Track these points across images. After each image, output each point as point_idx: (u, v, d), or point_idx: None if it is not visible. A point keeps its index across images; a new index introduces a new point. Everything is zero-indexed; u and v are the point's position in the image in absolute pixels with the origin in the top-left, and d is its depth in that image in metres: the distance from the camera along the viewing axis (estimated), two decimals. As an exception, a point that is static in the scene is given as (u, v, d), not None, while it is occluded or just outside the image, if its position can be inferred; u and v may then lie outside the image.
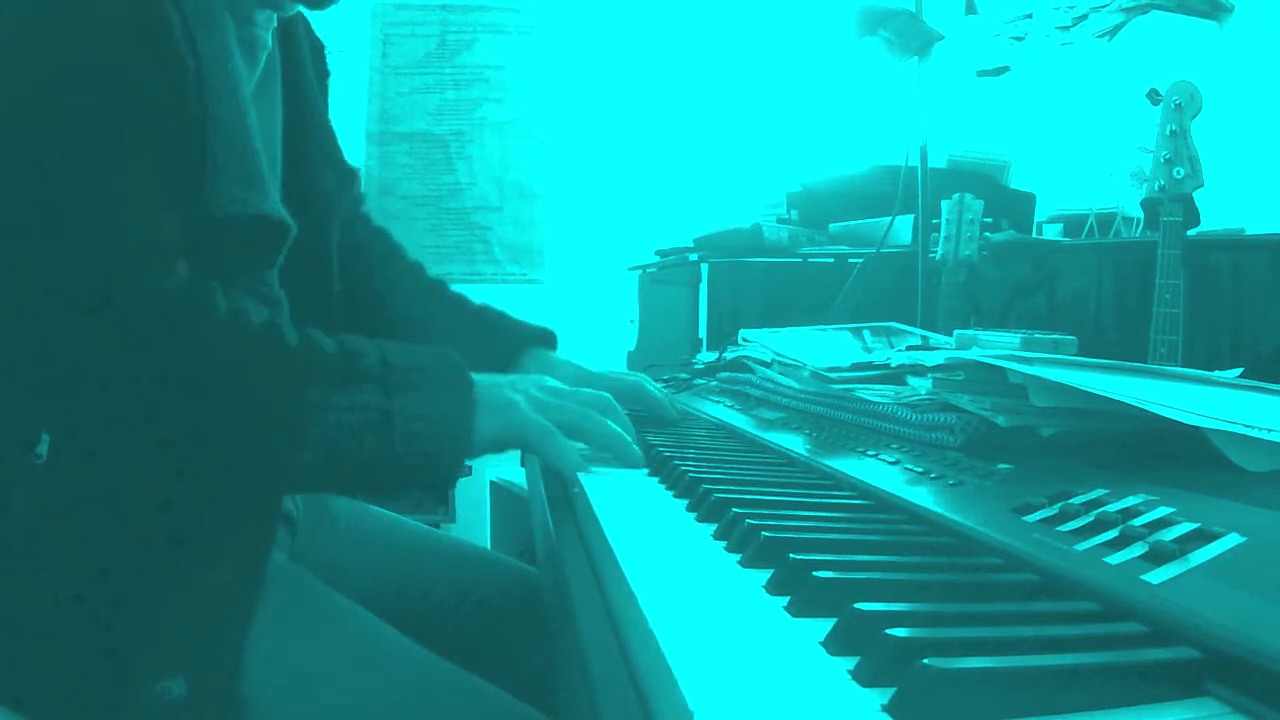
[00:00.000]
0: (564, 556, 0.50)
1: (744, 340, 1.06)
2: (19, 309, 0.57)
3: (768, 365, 0.95)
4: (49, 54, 0.56)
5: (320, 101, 0.84)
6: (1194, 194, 1.04)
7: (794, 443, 0.71)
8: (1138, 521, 0.40)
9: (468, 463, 0.63)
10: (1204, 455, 0.51)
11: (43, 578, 0.57)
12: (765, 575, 0.40)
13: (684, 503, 0.55)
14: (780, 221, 1.72)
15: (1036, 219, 1.66)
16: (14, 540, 0.57)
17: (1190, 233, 1.06)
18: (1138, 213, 1.37)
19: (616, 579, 0.39)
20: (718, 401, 0.99)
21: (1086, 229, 1.53)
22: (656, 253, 1.81)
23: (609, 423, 0.65)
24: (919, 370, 0.69)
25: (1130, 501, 0.43)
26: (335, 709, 0.61)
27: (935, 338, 1.00)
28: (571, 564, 0.48)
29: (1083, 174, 1.81)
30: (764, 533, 0.43)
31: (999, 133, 1.96)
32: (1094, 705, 0.28)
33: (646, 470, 0.65)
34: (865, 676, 0.29)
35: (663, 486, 0.60)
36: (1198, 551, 0.36)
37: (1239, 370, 0.69)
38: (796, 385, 0.86)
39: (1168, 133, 1.05)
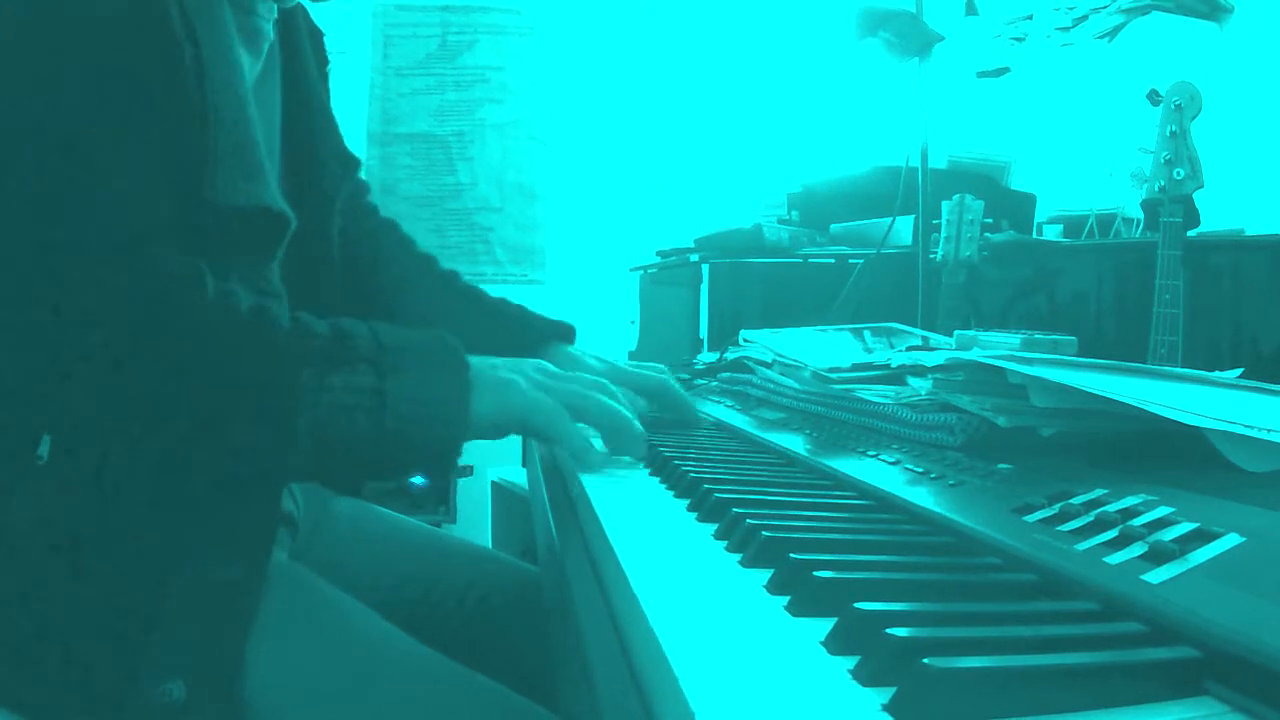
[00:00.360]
0: (565, 556, 0.50)
1: (745, 341, 1.07)
2: (16, 301, 0.57)
3: (768, 365, 0.95)
4: (46, 40, 0.56)
5: (320, 88, 0.83)
6: (1194, 195, 1.04)
7: (794, 443, 0.71)
8: (1137, 521, 0.40)
9: (469, 463, 0.62)
10: (1204, 455, 0.51)
11: (43, 580, 0.57)
12: (766, 575, 0.40)
13: (685, 503, 0.55)
14: (781, 222, 1.72)
15: (1037, 220, 1.66)
16: (15, 542, 0.57)
17: (1190, 233, 1.06)
18: (1138, 213, 1.37)
19: (618, 579, 0.39)
20: (718, 402, 0.99)
21: (1087, 230, 1.53)
22: (657, 253, 1.81)
23: (608, 401, 0.64)
24: (919, 371, 0.69)
25: (1130, 501, 0.43)
26: (337, 708, 0.61)
27: (935, 338, 1.00)
28: (573, 564, 0.48)
29: (1083, 175, 1.81)
30: (764, 533, 0.43)
31: (999, 133, 1.96)
32: (1094, 705, 0.28)
33: (647, 470, 0.65)
34: (866, 676, 0.29)
35: (663, 486, 0.60)
36: (1197, 551, 0.36)
37: (1239, 371, 0.69)
38: (797, 385, 0.86)
39: (1168, 133, 1.05)
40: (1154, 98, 1.07)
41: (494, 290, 0.95)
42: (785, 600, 0.37)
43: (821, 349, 0.91)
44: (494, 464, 2.03)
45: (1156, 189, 1.05)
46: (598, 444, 0.66)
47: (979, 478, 0.52)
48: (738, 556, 0.43)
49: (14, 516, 0.57)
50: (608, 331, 1.95)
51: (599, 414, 0.64)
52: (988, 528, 0.43)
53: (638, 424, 0.64)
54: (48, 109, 0.56)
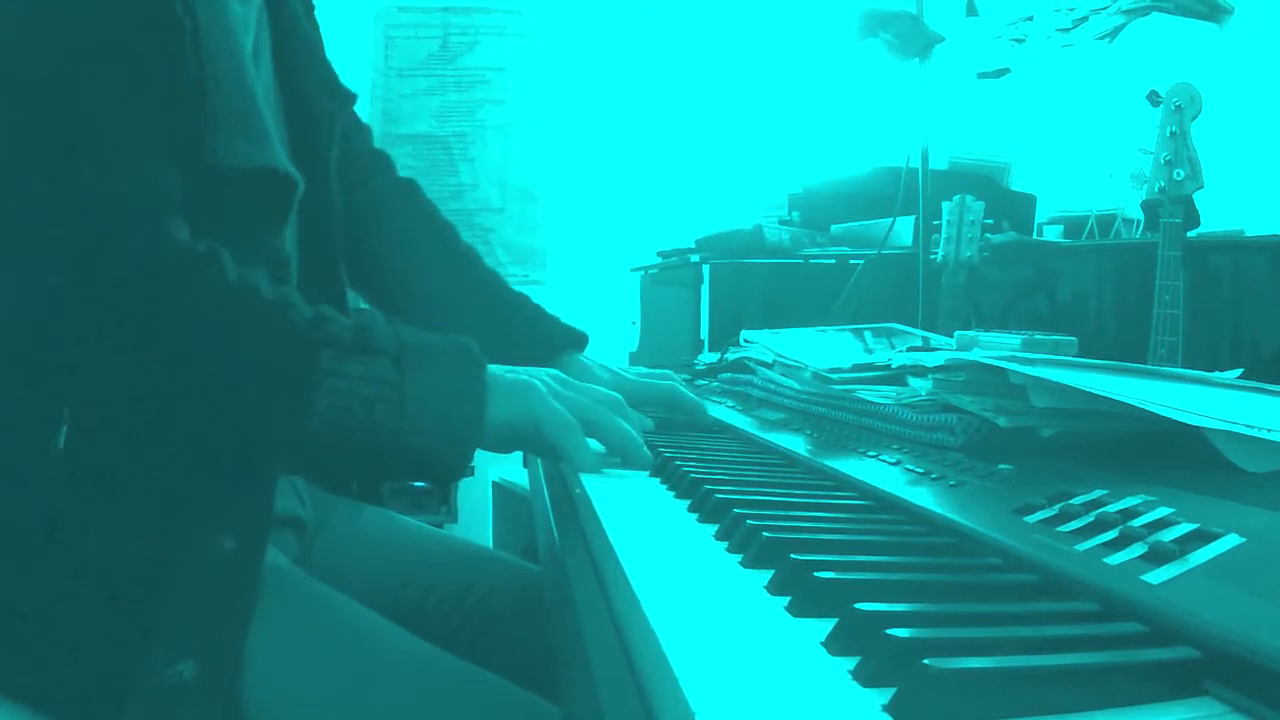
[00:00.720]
0: (566, 557, 0.51)
1: (745, 341, 1.07)
2: (34, 284, 0.56)
3: (769, 366, 0.95)
4: (44, 16, 0.56)
5: (308, 27, 0.82)
6: (1194, 195, 1.04)
7: (795, 443, 0.71)
8: (1138, 522, 0.40)
9: (471, 463, 0.62)
10: (1204, 456, 0.52)
11: (55, 566, 0.57)
12: (766, 575, 0.40)
13: (686, 503, 0.55)
14: (781, 223, 1.72)
15: (1037, 220, 1.66)
16: (30, 529, 0.57)
17: (1190, 234, 1.06)
18: (1138, 214, 1.37)
19: (619, 579, 0.39)
20: (719, 402, 0.99)
21: (1087, 230, 1.53)
22: (658, 254, 1.81)
23: (621, 422, 0.64)
24: (920, 371, 0.69)
25: (1130, 502, 0.43)
26: (338, 707, 0.61)
27: (936, 339, 1.00)
28: (574, 564, 0.48)
29: (1083, 176, 1.81)
30: (765, 533, 0.43)
31: (1000, 134, 1.96)
32: (1094, 705, 0.28)
33: (648, 470, 0.65)
34: (866, 677, 0.29)
35: (664, 487, 0.60)
36: (1197, 552, 0.36)
37: (1239, 371, 0.69)
38: (798, 386, 0.86)
39: (1168, 134, 1.05)
40: (1154, 98, 1.07)
41: None
42: (786, 601, 0.37)
43: (822, 349, 0.91)
44: (495, 464, 2.04)
45: (1156, 190, 1.05)
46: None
47: (979, 478, 0.52)
48: (738, 557, 0.43)
49: (30, 504, 0.57)
50: (608, 332, 1.95)
51: (611, 433, 0.64)
52: (988, 528, 0.43)
53: (646, 450, 0.64)
54: (49, 86, 0.56)
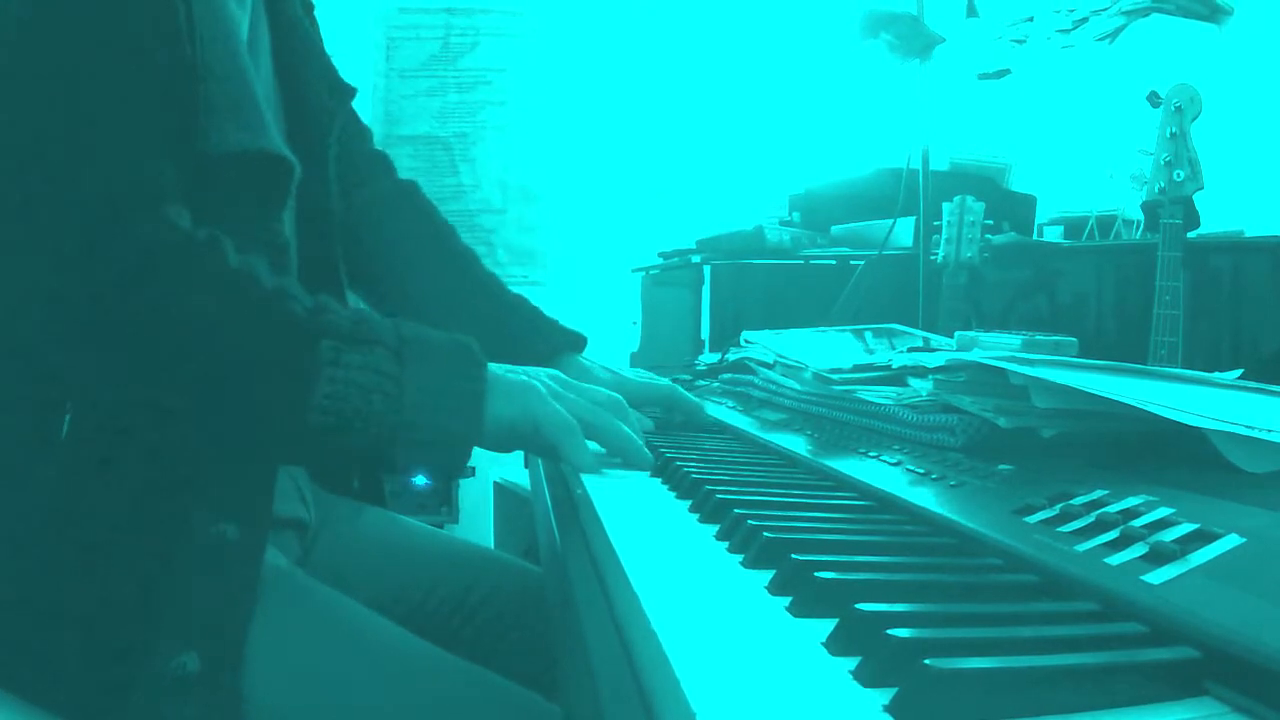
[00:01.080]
0: (567, 557, 0.51)
1: (746, 342, 1.07)
2: (32, 274, 0.56)
3: (770, 366, 0.95)
4: (40, 7, 0.56)
5: (306, 23, 0.82)
6: (1194, 196, 1.04)
7: (796, 444, 0.71)
8: (1138, 522, 0.40)
9: (470, 463, 0.62)
10: (1204, 456, 0.52)
11: (59, 558, 0.57)
12: (767, 576, 0.40)
13: (687, 504, 0.55)
14: (782, 224, 1.72)
15: (1037, 221, 1.66)
16: (32, 521, 0.58)
17: (1190, 235, 1.06)
18: (1138, 215, 1.37)
19: (620, 580, 0.39)
20: (720, 403, 0.99)
21: (1087, 231, 1.53)
22: (659, 254, 1.81)
23: (620, 424, 0.64)
24: (920, 372, 0.69)
25: (1131, 502, 0.43)
26: (342, 706, 0.61)
27: (936, 339, 1.00)
28: (575, 565, 0.48)
29: (1083, 176, 1.81)
30: (766, 533, 0.43)
31: (1000, 135, 1.96)
32: (1094, 705, 0.29)
33: (649, 471, 0.65)
34: (867, 677, 0.29)
35: (665, 487, 0.60)
36: (1198, 552, 0.36)
37: (1239, 372, 0.69)
38: (798, 386, 0.86)
39: (1168, 135, 1.05)
40: (1154, 99, 1.07)
41: None
42: (786, 601, 0.37)
43: (823, 350, 0.91)
44: (496, 465, 2.04)
45: (1156, 190, 1.05)
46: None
47: (980, 479, 0.52)
48: (739, 557, 0.43)
49: (33, 494, 0.58)
50: (609, 333, 1.96)
51: (611, 435, 0.64)
52: (989, 529, 0.43)
53: (647, 451, 0.65)
54: (47, 79, 0.56)
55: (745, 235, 1.54)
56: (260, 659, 0.58)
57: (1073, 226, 1.58)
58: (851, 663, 0.30)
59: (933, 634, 0.31)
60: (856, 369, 0.78)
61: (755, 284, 1.47)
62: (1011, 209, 1.52)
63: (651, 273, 1.82)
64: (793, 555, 0.40)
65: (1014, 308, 1.38)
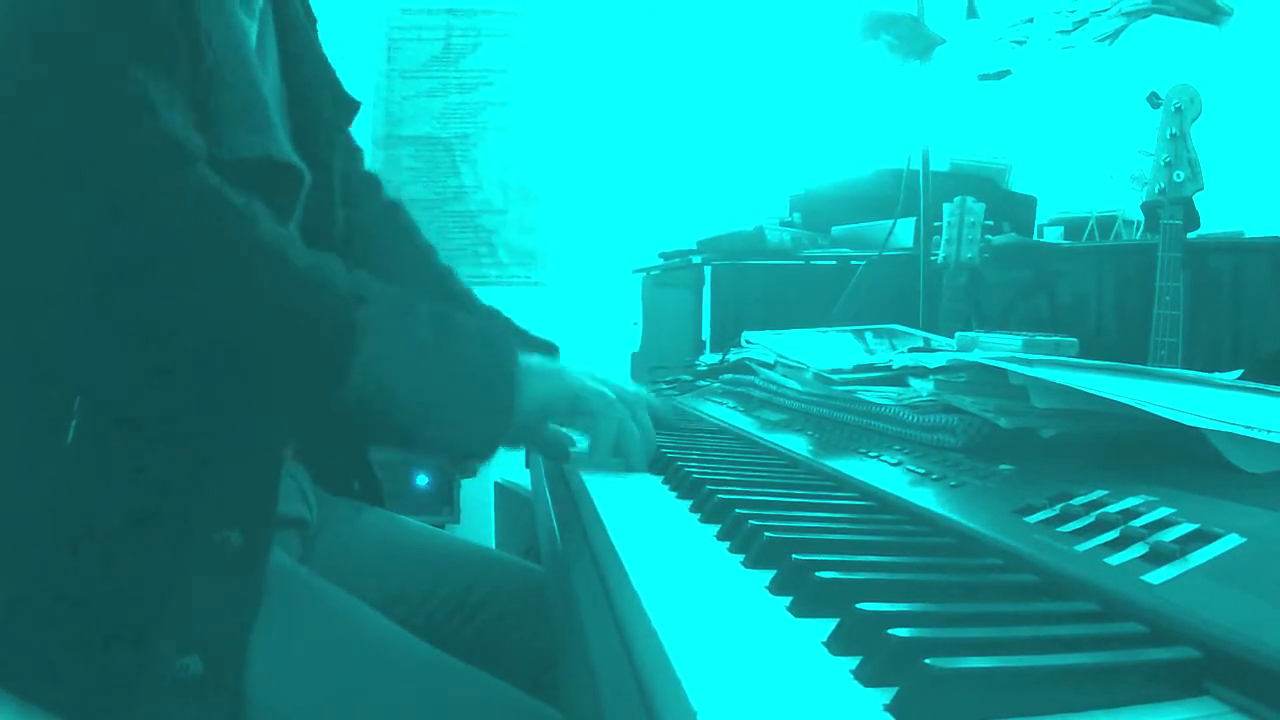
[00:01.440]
0: (569, 557, 0.51)
1: (747, 342, 1.07)
2: (60, 238, 0.54)
3: (770, 367, 0.95)
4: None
5: (312, 37, 0.83)
6: (1194, 197, 1.04)
7: (797, 444, 0.71)
8: (1138, 522, 0.40)
9: (504, 438, 0.62)
10: (1204, 456, 0.52)
11: (62, 562, 0.58)
12: (768, 576, 0.40)
13: (687, 504, 0.55)
14: (783, 224, 1.72)
15: (1037, 222, 1.66)
16: (36, 525, 0.58)
17: (1190, 235, 1.06)
18: (1138, 216, 1.37)
19: (621, 579, 0.39)
20: (721, 403, 0.99)
21: (1087, 232, 1.53)
22: (660, 255, 1.81)
23: (643, 411, 0.67)
24: (921, 372, 0.69)
25: (1131, 502, 0.43)
26: (342, 707, 0.61)
27: (937, 340, 1.00)
28: (576, 565, 0.48)
29: (1083, 177, 1.81)
30: (766, 533, 0.43)
31: (1000, 136, 1.96)
32: (1094, 705, 0.29)
33: (650, 470, 0.65)
34: (867, 676, 0.30)
35: (666, 487, 0.60)
36: (1198, 552, 0.37)
37: (1239, 372, 0.69)
38: (799, 387, 0.86)
39: (1168, 136, 1.05)
40: (1154, 100, 1.07)
41: (498, 292, 0.95)
42: (787, 601, 0.37)
43: (823, 350, 0.91)
44: (497, 465, 2.03)
45: (1157, 191, 1.05)
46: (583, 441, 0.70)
47: (980, 479, 0.52)
48: (740, 557, 0.43)
49: (37, 499, 0.58)
50: (610, 333, 1.96)
51: (639, 411, 0.66)
52: (989, 529, 0.43)
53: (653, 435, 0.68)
54: (79, 57, 0.55)
55: (746, 236, 1.54)
56: (263, 657, 0.59)
57: (1073, 227, 1.58)
58: (852, 662, 0.30)
59: (933, 634, 0.31)
60: (857, 369, 0.78)
61: (756, 284, 1.47)
62: (1012, 210, 1.53)
63: (652, 273, 1.82)
64: (793, 555, 0.40)
65: (1014, 308, 1.38)
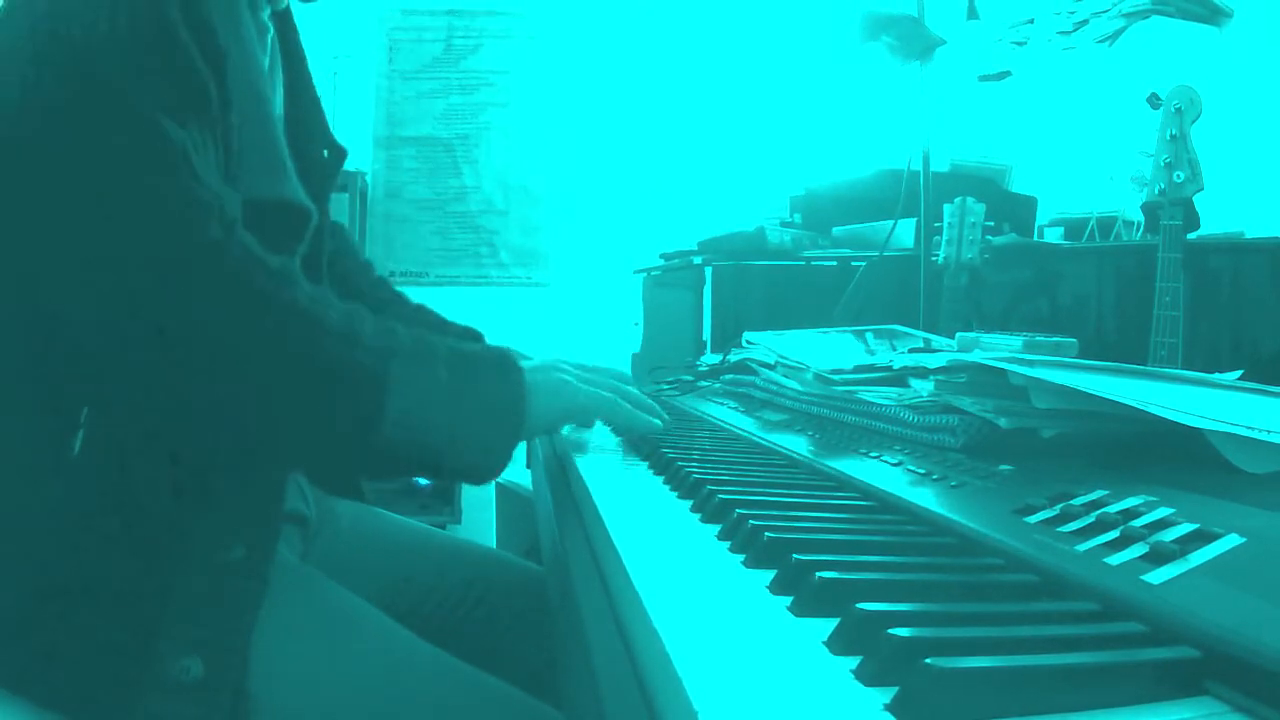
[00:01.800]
0: (569, 557, 0.51)
1: (748, 343, 1.07)
2: (71, 288, 0.57)
3: (771, 367, 0.95)
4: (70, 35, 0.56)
5: (311, 81, 0.85)
6: (1194, 198, 1.04)
7: (797, 444, 0.71)
8: (1138, 522, 0.40)
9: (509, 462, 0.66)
10: (1204, 457, 0.52)
11: (66, 568, 0.58)
12: (769, 575, 0.40)
13: (688, 503, 0.55)
14: (784, 225, 1.72)
15: (1038, 223, 1.66)
16: (41, 532, 0.58)
17: (1190, 236, 1.06)
18: (1138, 216, 1.37)
19: (621, 579, 0.39)
20: (722, 403, 0.99)
21: (1087, 233, 1.53)
22: (661, 256, 1.81)
23: (639, 391, 0.73)
24: (921, 372, 0.69)
25: (1131, 502, 0.43)
26: (343, 704, 0.61)
27: (937, 340, 1.00)
28: (577, 564, 0.48)
29: (1084, 178, 1.81)
30: (767, 533, 0.44)
31: (1000, 137, 1.96)
32: (1094, 704, 0.29)
33: (651, 470, 0.65)
34: (868, 676, 0.30)
35: (667, 487, 0.60)
36: (1198, 552, 0.37)
37: (1239, 372, 0.69)
38: (800, 387, 0.86)
39: (1168, 137, 1.05)
40: (1154, 101, 1.07)
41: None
42: (788, 600, 0.37)
43: (824, 351, 0.91)
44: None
45: (1157, 192, 1.05)
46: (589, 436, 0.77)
47: (980, 479, 0.52)
48: (741, 557, 0.43)
49: (41, 507, 0.58)
50: (611, 334, 1.96)
51: (637, 399, 0.72)
52: (989, 529, 0.43)
53: (662, 411, 0.74)
54: (127, 109, 0.56)
55: (747, 236, 1.54)
56: (265, 655, 0.59)
57: (1073, 228, 1.59)
58: (852, 662, 0.31)
59: (933, 633, 0.31)
60: (858, 370, 0.78)
61: (757, 285, 1.47)
62: (1012, 210, 1.53)
63: (653, 274, 1.82)
64: (794, 555, 0.40)
65: (1014, 309, 1.38)
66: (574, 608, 0.45)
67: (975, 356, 0.63)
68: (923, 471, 0.56)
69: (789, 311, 1.38)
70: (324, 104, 0.86)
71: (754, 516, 0.46)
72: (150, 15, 0.57)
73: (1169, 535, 0.38)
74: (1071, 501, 0.44)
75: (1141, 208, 1.12)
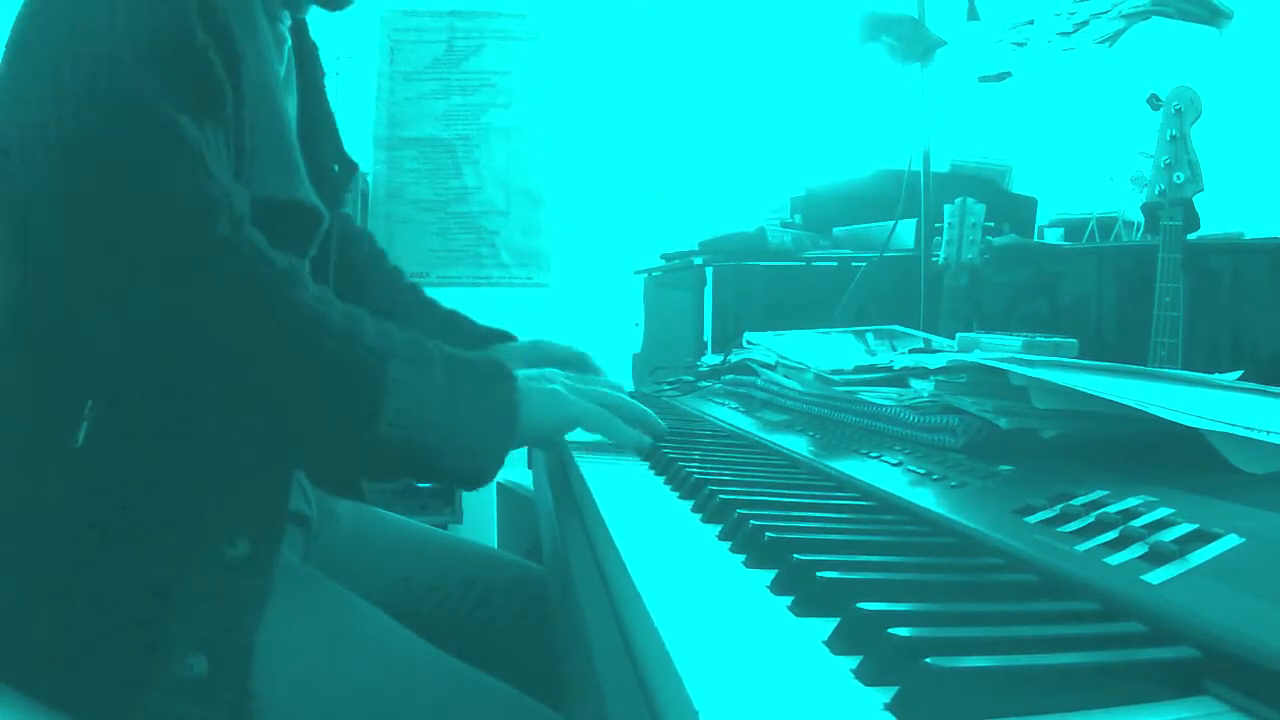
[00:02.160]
0: (570, 557, 0.51)
1: (748, 343, 1.07)
2: (82, 279, 0.57)
3: (772, 368, 0.95)
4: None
5: (324, 94, 0.87)
6: (1194, 198, 1.04)
7: (798, 444, 0.71)
8: (1138, 522, 0.40)
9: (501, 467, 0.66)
10: (1204, 457, 0.52)
11: (68, 562, 0.58)
12: (769, 575, 0.40)
13: (689, 504, 0.55)
14: (784, 225, 1.72)
15: (1038, 223, 1.66)
16: (43, 525, 0.58)
17: (1190, 237, 1.06)
18: (1138, 217, 1.37)
19: (622, 579, 0.40)
20: (722, 404, 0.99)
21: (1087, 233, 1.53)
22: (662, 256, 1.81)
23: (636, 402, 0.73)
24: (921, 373, 0.69)
25: (1130, 502, 0.43)
26: (345, 704, 0.61)
27: (938, 340, 1.00)
28: (578, 564, 0.48)
29: (1084, 179, 1.81)
30: (768, 533, 0.44)
31: (1001, 138, 1.96)
32: (1094, 704, 0.29)
33: (652, 470, 0.65)
34: (868, 675, 0.30)
35: (668, 487, 0.60)
36: (1197, 552, 0.37)
37: (1239, 373, 0.69)
38: (800, 388, 0.86)
39: (1168, 138, 1.05)
40: (1154, 102, 1.08)
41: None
42: (788, 600, 0.37)
43: (824, 351, 0.91)
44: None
45: (1157, 193, 1.05)
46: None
47: (981, 479, 0.52)
48: (741, 557, 0.43)
49: (44, 499, 0.58)
50: (612, 334, 1.96)
51: (631, 411, 0.72)
52: (989, 529, 0.44)
53: (660, 420, 0.74)
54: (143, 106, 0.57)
55: (747, 237, 1.54)
56: (268, 653, 0.59)
57: (1073, 228, 1.58)
58: (853, 661, 0.31)
59: (933, 633, 0.31)
60: (858, 370, 0.78)
61: (757, 285, 1.47)
62: (1012, 211, 1.53)
63: (654, 274, 1.82)
64: (794, 555, 0.40)
65: (1015, 309, 1.38)
66: (575, 607, 0.45)
67: (975, 357, 0.63)
68: (923, 472, 0.56)
69: (789, 312, 1.38)
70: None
71: (755, 516, 0.47)
72: (170, 18, 0.58)
73: (1169, 535, 0.38)
74: (1071, 501, 0.44)
75: (1141, 208, 1.11)
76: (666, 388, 1.17)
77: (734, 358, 1.09)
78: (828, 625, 0.33)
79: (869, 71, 1.47)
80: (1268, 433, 0.51)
